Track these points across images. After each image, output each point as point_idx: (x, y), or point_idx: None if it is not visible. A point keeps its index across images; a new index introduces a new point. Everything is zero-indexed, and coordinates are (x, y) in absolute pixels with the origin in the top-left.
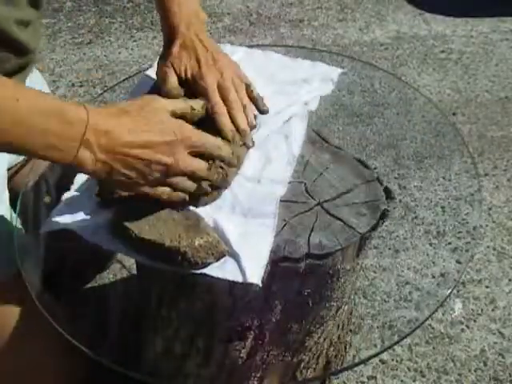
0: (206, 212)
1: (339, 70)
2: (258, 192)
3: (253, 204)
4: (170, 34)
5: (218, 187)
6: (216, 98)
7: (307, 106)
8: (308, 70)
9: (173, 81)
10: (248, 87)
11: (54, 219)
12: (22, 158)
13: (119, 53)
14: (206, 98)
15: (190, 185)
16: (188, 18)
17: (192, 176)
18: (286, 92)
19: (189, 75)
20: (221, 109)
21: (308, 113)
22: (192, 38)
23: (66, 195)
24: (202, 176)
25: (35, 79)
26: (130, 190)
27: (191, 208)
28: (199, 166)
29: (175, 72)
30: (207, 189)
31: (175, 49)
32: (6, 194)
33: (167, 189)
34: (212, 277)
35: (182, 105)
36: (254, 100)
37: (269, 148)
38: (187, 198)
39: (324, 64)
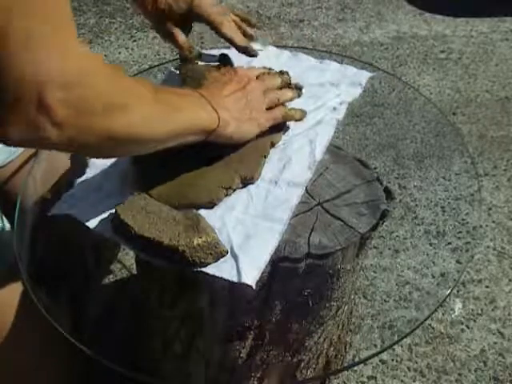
0: (217, 212)
1: (368, 74)
2: (273, 194)
3: (266, 207)
4: None
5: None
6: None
7: (335, 112)
8: (336, 73)
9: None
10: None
11: (64, 204)
12: (13, 156)
13: (119, 53)
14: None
15: (291, 94)
16: None
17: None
18: (313, 95)
19: None
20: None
21: (336, 121)
22: None
23: (79, 180)
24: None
25: None
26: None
27: (200, 211)
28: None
29: None
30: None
31: None
32: None
33: (279, 110)
34: (207, 274)
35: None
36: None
37: (291, 150)
38: (297, 116)
39: (353, 67)
